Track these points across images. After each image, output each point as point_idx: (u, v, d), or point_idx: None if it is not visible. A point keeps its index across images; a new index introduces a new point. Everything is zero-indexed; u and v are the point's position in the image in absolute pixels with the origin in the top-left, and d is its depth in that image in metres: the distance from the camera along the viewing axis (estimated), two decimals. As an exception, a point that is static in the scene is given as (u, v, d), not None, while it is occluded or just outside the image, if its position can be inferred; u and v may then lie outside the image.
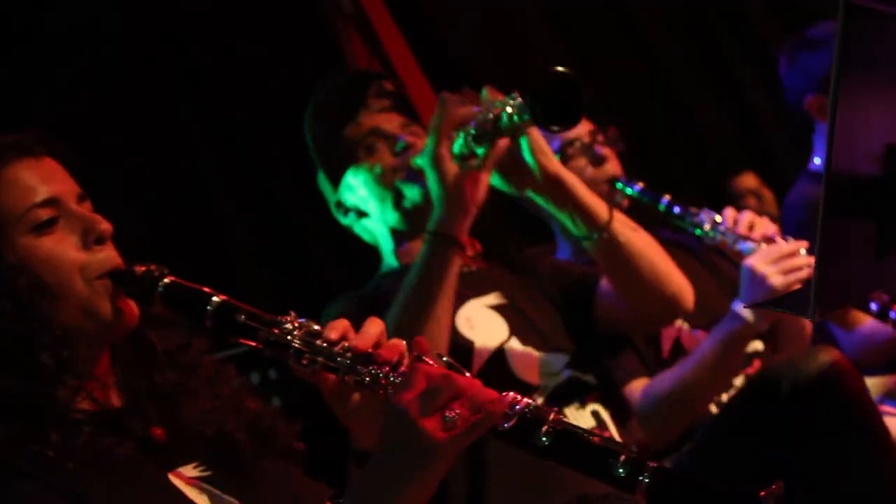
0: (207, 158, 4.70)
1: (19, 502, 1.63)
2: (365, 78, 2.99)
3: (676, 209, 3.15)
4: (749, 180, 5.94)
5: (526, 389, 2.49)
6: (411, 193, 2.74)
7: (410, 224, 2.77)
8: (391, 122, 2.81)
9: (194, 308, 1.80)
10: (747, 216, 3.04)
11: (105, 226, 1.84)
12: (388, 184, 2.77)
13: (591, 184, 3.15)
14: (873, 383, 3.20)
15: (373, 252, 2.98)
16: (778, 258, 2.81)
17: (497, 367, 2.60)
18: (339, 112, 2.83)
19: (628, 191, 3.26)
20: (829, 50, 3.55)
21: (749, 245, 2.95)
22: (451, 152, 2.45)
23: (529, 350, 2.62)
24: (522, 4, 5.50)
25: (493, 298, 2.74)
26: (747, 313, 2.80)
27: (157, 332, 1.92)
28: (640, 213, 3.24)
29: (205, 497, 1.79)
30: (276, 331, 1.74)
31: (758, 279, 2.78)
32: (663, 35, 5.76)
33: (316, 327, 1.75)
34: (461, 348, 2.57)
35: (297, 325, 1.75)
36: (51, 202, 1.82)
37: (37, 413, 1.70)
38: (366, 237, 2.92)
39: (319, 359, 1.71)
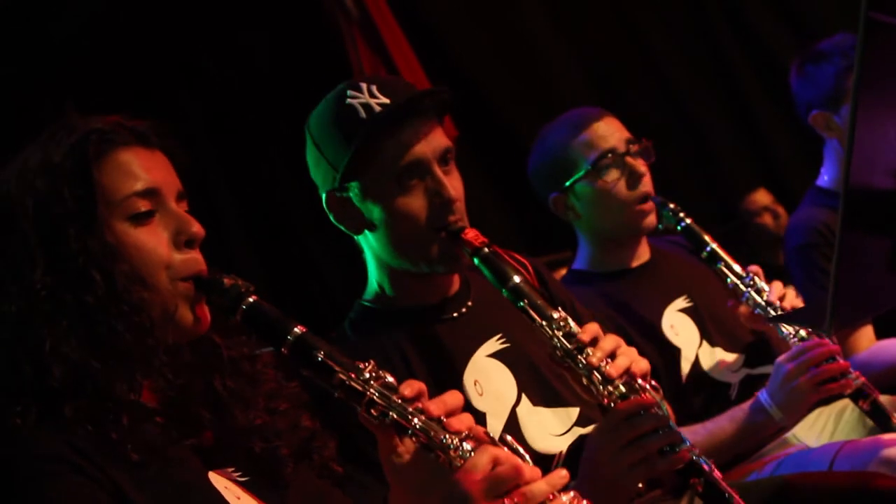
0: (212, 160, 4.71)
1: (62, 493, 1.62)
2: (430, 93, 2.43)
3: (719, 264, 2.98)
4: (763, 197, 5.95)
5: (541, 461, 2.26)
6: (427, 266, 2.42)
7: (413, 269, 2.44)
8: (434, 151, 2.37)
9: (274, 334, 1.80)
10: (792, 296, 2.91)
11: (197, 228, 1.83)
12: (410, 236, 2.38)
13: (624, 204, 3.09)
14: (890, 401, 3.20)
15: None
16: (811, 362, 2.72)
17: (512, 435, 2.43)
18: (390, 118, 2.35)
19: (672, 222, 3.08)
20: (833, 64, 3.55)
21: (787, 332, 2.85)
22: None
23: (539, 410, 2.44)
24: (529, 14, 5.51)
25: (494, 344, 2.47)
26: (775, 412, 2.77)
27: (227, 339, 1.91)
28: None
29: (241, 500, 1.79)
30: (354, 375, 1.75)
31: (790, 386, 2.72)
32: (673, 51, 5.77)
33: (390, 379, 1.76)
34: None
35: (374, 373, 1.76)
36: (151, 193, 1.81)
37: (108, 394, 1.69)
38: (357, 242, 2.55)
39: (392, 414, 1.72)
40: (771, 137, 5.62)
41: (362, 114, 2.35)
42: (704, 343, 3.10)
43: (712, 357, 3.09)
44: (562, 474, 1.71)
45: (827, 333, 2.68)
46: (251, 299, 1.82)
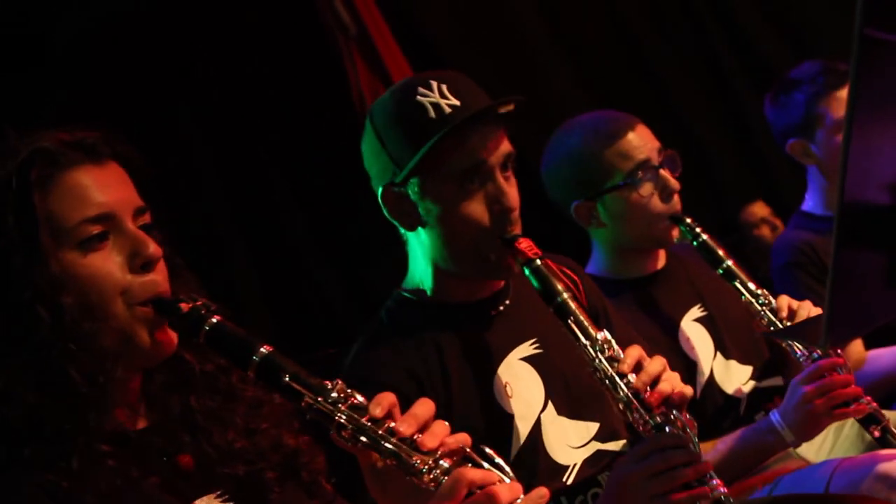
0: (210, 177, 4.71)
1: None
2: (507, 101, 2.41)
3: (735, 281, 2.95)
4: (760, 209, 5.96)
5: (556, 471, 2.37)
6: (477, 271, 2.45)
7: (462, 273, 2.47)
8: (498, 157, 2.38)
9: (239, 355, 1.72)
10: (805, 310, 2.89)
11: (153, 249, 1.74)
12: (466, 239, 2.40)
13: (656, 218, 3.06)
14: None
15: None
16: (828, 387, 2.69)
17: (533, 443, 2.41)
18: (458, 121, 2.33)
19: (689, 237, 3.04)
20: (802, 92, 3.61)
21: (799, 353, 2.83)
22: None
23: (561, 420, 2.45)
24: (528, 29, 5.52)
25: (527, 348, 2.49)
26: (787, 433, 2.75)
27: (199, 354, 1.84)
28: None
29: None
30: (321, 399, 1.67)
31: (805, 408, 2.69)
32: (672, 65, 5.78)
33: (360, 398, 1.69)
34: (500, 422, 2.39)
35: (342, 394, 1.68)
36: (104, 218, 1.73)
37: (61, 437, 1.63)
38: (404, 236, 2.55)
39: (362, 438, 1.65)
40: (768, 150, 5.62)
41: (431, 113, 2.36)
42: (719, 355, 3.08)
43: (726, 370, 3.07)
44: (541, 493, 1.65)
45: (823, 349, 2.67)
46: (214, 320, 1.73)
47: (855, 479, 2.67)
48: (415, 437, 1.65)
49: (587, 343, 2.26)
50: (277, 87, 4.72)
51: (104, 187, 1.75)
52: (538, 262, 2.34)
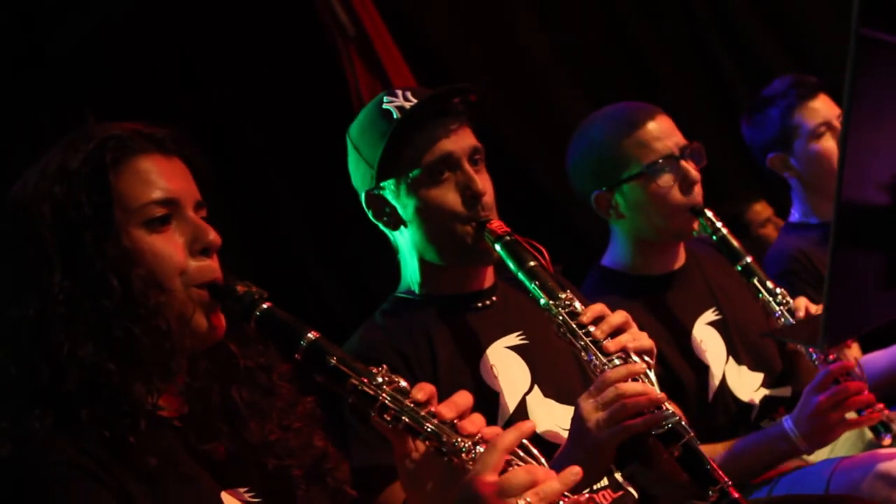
0: (209, 177, 4.70)
1: (74, 499, 1.61)
2: (459, 89, 2.58)
3: (754, 279, 2.96)
4: (764, 208, 5.96)
5: (549, 448, 2.40)
6: (458, 257, 2.56)
7: (445, 262, 2.58)
8: (464, 148, 2.53)
9: (287, 340, 1.80)
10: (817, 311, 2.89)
11: (213, 237, 1.83)
12: (442, 228, 2.53)
13: (676, 209, 3.03)
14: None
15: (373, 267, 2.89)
16: (841, 395, 2.69)
17: (520, 420, 2.42)
18: (419, 113, 2.50)
19: (708, 231, 3.04)
20: (776, 106, 3.70)
21: (814, 354, 2.83)
22: None
23: (549, 402, 2.54)
24: (526, 33, 5.52)
25: (513, 338, 2.60)
26: (799, 441, 2.75)
27: (244, 348, 1.90)
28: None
29: None
30: (366, 380, 1.75)
31: (819, 418, 2.70)
32: (666, 61, 5.78)
33: (403, 384, 1.77)
34: (488, 399, 2.48)
35: (386, 378, 1.76)
36: (168, 202, 1.81)
37: (125, 398, 1.68)
38: (392, 240, 2.69)
39: (405, 418, 1.72)
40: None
41: (396, 114, 2.52)
42: (731, 360, 3.07)
43: (738, 376, 3.05)
44: (574, 471, 1.69)
45: (821, 350, 2.68)
46: (265, 305, 1.81)
47: (855, 479, 2.68)
48: (454, 422, 1.72)
49: (552, 302, 2.37)
50: (276, 89, 4.72)
51: (170, 175, 1.84)
52: (507, 237, 2.46)
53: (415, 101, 2.53)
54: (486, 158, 2.60)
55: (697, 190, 3.06)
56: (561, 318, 2.35)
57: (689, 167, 3.03)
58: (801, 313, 2.88)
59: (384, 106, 2.54)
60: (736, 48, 5.78)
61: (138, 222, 1.79)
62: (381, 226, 2.64)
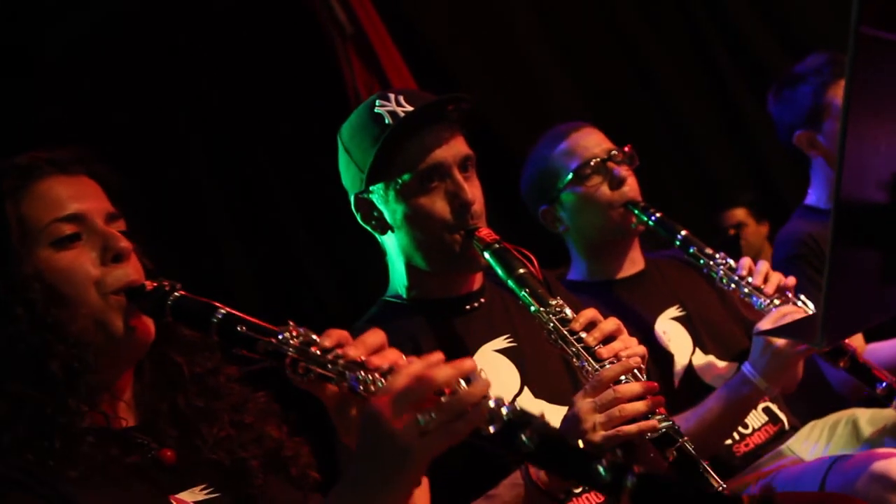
0: (207, 178, 4.70)
1: None
2: (452, 98, 2.57)
3: (692, 248, 3.06)
4: (744, 216, 5.98)
5: None
6: (446, 265, 2.57)
7: (432, 268, 2.59)
8: (455, 156, 2.52)
9: (201, 320, 1.79)
10: (763, 267, 2.98)
11: (124, 244, 1.85)
12: (430, 235, 2.53)
13: (608, 206, 3.14)
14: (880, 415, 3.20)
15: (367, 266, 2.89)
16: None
17: None
18: (412, 122, 2.50)
19: (644, 218, 3.14)
20: (809, 83, 3.62)
21: (760, 300, 2.91)
22: None
23: (540, 402, 2.55)
24: (524, 32, 5.52)
25: (501, 341, 2.62)
26: (760, 381, 2.77)
27: (189, 357, 1.92)
28: (652, 237, 3.22)
29: None
30: (274, 340, 1.71)
31: (770, 350, 2.74)
32: (665, 60, 5.78)
33: (314, 336, 1.72)
34: None
35: (295, 334, 1.72)
36: (75, 218, 1.84)
37: (43, 420, 1.71)
38: (381, 243, 2.69)
39: (313, 367, 1.67)
40: (764, 148, 5.63)
41: (388, 120, 2.52)
42: (698, 350, 3.14)
43: (707, 365, 3.11)
44: (469, 363, 1.58)
45: (819, 347, 2.68)
46: (176, 294, 1.82)
47: (850, 479, 2.68)
48: (363, 360, 1.66)
49: (542, 309, 2.39)
50: (274, 87, 4.72)
51: (76, 194, 1.86)
52: (496, 245, 2.48)
53: (407, 106, 2.53)
54: (482, 160, 2.61)
55: (629, 186, 3.18)
56: (552, 324, 2.37)
57: (616, 167, 3.17)
58: (745, 271, 2.94)
59: (376, 110, 2.54)
60: (735, 48, 5.79)
61: (45, 242, 1.81)
62: (369, 229, 2.65)
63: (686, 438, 2.26)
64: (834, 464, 2.75)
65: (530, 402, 2.53)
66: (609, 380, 2.24)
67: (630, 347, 2.33)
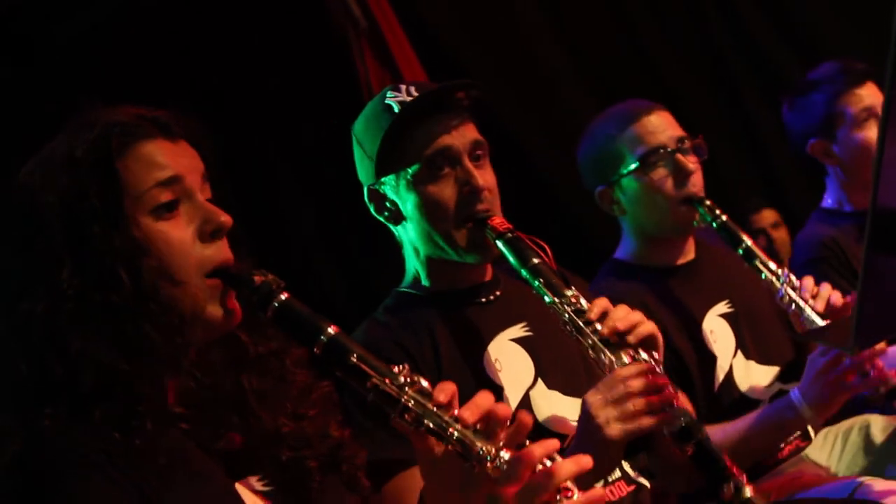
0: (217, 170, 4.69)
1: (87, 496, 1.57)
2: (460, 85, 2.54)
3: (755, 260, 2.94)
4: (771, 214, 5.98)
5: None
6: (457, 255, 2.53)
7: (445, 257, 2.55)
8: (464, 143, 2.50)
9: (306, 334, 1.73)
10: (826, 290, 2.89)
11: (225, 218, 1.77)
12: (440, 224, 2.50)
13: (671, 201, 3.04)
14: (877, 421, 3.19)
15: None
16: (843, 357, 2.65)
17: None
18: (418, 107, 2.47)
19: (708, 219, 3.03)
20: (822, 92, 3.58)
21: (816, 319, 2.82)
22: None
23: (553, 394, 2.53)
24: (534, 27, 5.52)
25: (518, 330, 2.59)
26: (805, 410, 2.73)
27: (254, 335, 1.85)
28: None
29: None
30: (388, 381, 1.68)
31: (824, 380, 2.68)
32: (675, 59, 5.78)
33: (425, 384, 1.70)
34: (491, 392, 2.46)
35: (408, 379, 1.69)
36: (173, 181, 1.73)
37: (136, 398, 1.63)
38: (396, 234, 2.67)
39: (427, 422, 1.67)
40: (774, 151, 5.62)
41: (397, 109, 2.49)
42: (739, 353, 3.07)
43: (745, 370, 3.06)
44: (586, 460, 1.65)
45: (851, 353, 2.65)
46: (283, 296, 1.74)
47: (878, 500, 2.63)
48: (477, 427, 1.67)
49: (556, 299, 2.36)
50: (286, 81, 4.71)
51: (174, 157, 1.77)
52: (509, 234, 2.44)
53: (417, 94, 2.50)
54: (492, 154, 2.57)
55: (694, 181, 3.07)
56: (567, 315, 2.34)
57: (684, 159, 3.05)
58: (808, 294, 2.88)
59: (387, 101, 2.52)
60: (745, 49, 5.78)
61: (146, 210, 1.72)
62: (383, 220, 2.62)
63: (706, 434, 2.23)
64: (859, 488, 2.71)
65: (543, 395, 2.51)
66: (623, 378, 2.22)
67: (642, 325, 2.30)
